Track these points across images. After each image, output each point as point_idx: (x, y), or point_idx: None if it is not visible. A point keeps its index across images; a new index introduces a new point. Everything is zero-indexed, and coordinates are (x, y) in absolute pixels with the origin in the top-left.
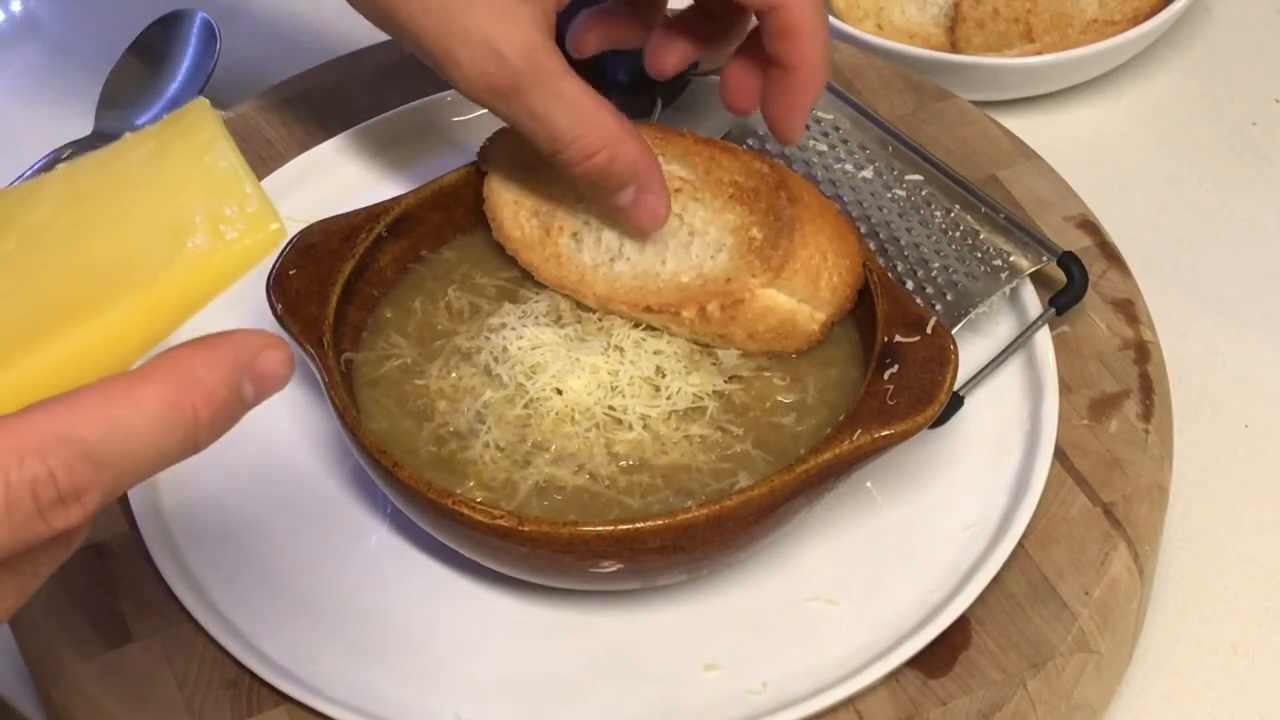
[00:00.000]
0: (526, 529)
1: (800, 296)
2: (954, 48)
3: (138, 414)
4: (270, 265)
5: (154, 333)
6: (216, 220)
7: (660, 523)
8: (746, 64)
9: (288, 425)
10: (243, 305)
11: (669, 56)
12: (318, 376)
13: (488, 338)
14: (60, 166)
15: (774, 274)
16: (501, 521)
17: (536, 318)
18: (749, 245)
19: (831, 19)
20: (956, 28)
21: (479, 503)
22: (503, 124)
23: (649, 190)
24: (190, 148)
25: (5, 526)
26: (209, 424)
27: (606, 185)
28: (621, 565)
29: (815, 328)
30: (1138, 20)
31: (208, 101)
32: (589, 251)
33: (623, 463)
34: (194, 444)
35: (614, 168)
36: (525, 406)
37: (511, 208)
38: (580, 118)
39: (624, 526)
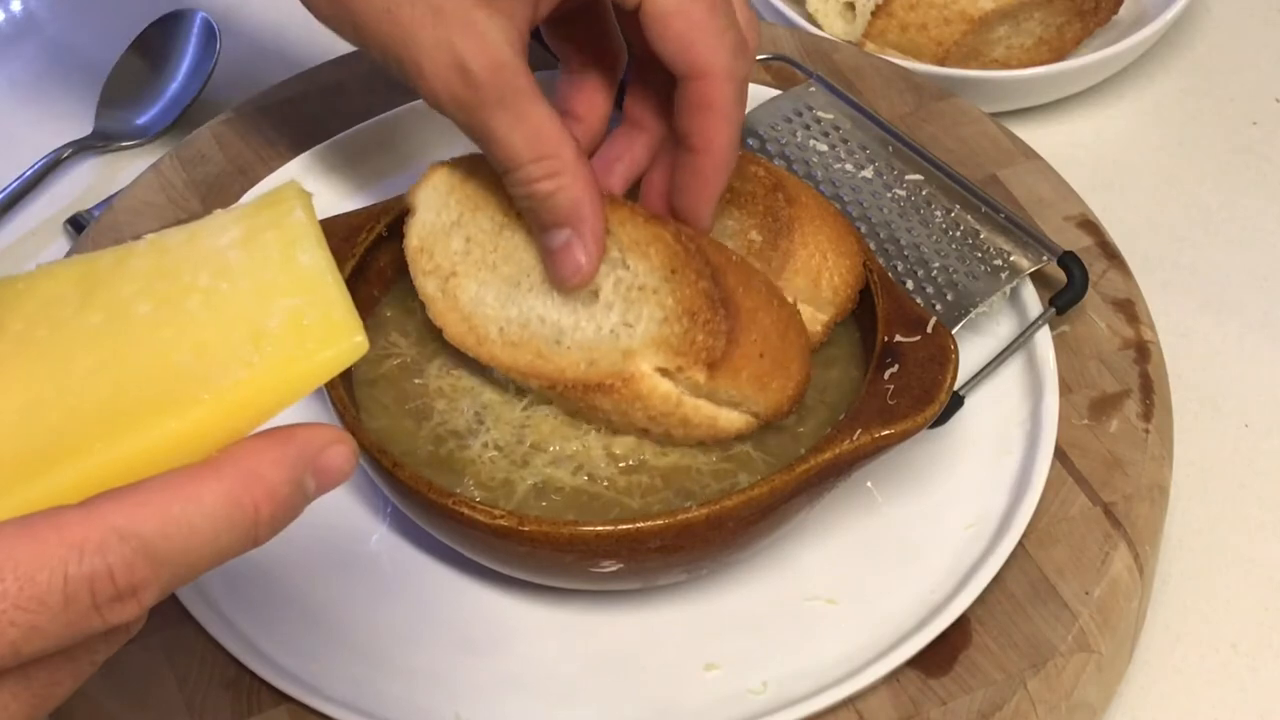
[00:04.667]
0: (526, 528)
1: (801, 298)
2: (864, 35)
3: (200, 511)
4: None
5: (226, 434)
6: (299, 326)
7: (660, 522)
8: (665, 165)
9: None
10: None
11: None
12: None
13: None
14: (149, 236)
15: (774, 276)
16: (501, 521)
17: None
18: (748, 248)
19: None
20: (875, 17)
21: (479, 502)
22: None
23: (581, 241)
24: (278, 238)
25: (62, 620)
26: (270, 521)
27: (544, 218)
28: (621, 565)
29: (818, 329)
30: (1036, 65)
31: (299, 184)
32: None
33: (622, 464)
34: (253, 540)
35: (556, 199)
36: (524, 408)
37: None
38: (538, 144)
39: (624, 526)
